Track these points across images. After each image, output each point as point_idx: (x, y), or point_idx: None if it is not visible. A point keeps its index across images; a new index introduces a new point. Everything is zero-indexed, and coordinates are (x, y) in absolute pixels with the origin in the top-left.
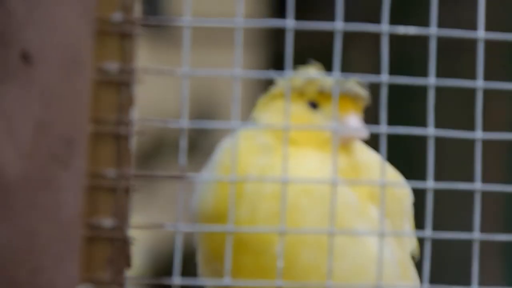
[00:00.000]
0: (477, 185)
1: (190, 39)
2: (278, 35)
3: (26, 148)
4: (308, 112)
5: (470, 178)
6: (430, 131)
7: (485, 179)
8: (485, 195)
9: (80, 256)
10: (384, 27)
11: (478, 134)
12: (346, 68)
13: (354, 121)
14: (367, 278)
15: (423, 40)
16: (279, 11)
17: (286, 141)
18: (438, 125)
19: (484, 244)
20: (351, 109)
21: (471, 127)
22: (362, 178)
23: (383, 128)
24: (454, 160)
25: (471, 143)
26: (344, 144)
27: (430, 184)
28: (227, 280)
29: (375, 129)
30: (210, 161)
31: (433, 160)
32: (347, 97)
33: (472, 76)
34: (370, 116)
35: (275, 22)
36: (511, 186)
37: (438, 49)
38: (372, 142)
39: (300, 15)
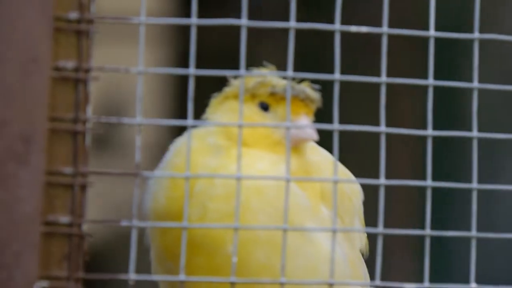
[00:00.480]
0: (382, 180)
1: (110, 36)
2: (186, 31)
3: None
4: (259, 114)
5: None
6: (382, 128)
7: (399, 174)
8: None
9: (39, 253)
10: (337, 26)
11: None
12: (255, 63)
13: (305, 124)
14: (319, 277)
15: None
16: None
17: (240, 140)
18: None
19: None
20: (303, 111)
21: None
22: (313, 177)
23: (336, 126)
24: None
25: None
26: (294, 146)
27: (382, 181)
28: (182, 276)
29: (327, 126)
30: (163, 161)
31: (384, 157)
32: (299, 99)
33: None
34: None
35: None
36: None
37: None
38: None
39: (209, 11)
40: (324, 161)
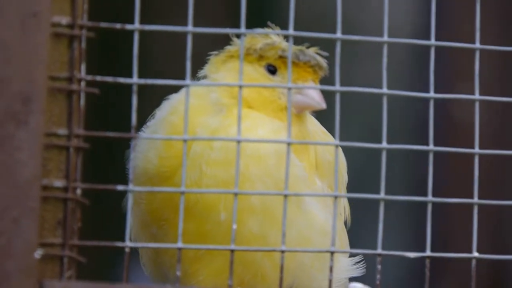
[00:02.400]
0: (384, 144)
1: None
2: None
3: None
4: (265, 76)
5: None
6: (384, 90)
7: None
8: None
9: (38, 219)
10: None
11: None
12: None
13: (314, 91)
14: (311, 248)
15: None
16: None
17: (240, 102)
18: None
19: None
20: (310, 78)
21: None
22: (309, 148)
23: (337, 87)
24: None
25: None
26: (299, 113)
27: (384, 145)
28: (179, 244)
29: (329, 88)
30: (155, 118)
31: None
32: (308, 65)
33: None
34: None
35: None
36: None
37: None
38: None
39: None
40: (319, 132)
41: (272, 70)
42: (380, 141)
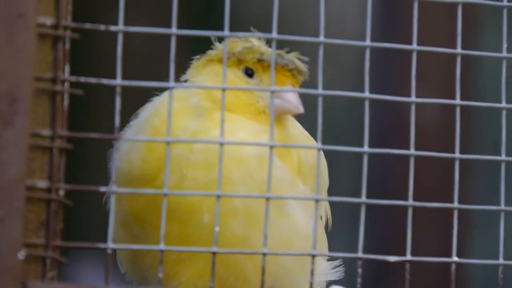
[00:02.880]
0: (412, 151)
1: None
2: None
3: None
4: (243, 79)
5: None
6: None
7: None
8: None
9: (22, 220)
10: None
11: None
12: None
13: (292, 95)
14: (293, 251)
15: None
16: None
17: (223, 104)
18: None
19: None
20: (289, 82)
21: None
22: (292, 152)
23: (320, 91)
24: None
25: None
26: (278, 117)
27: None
28: (161, 245)
29: (312, 91)
30: (136, 119)
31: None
32: (286, 69)
33: None
34: None
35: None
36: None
37: None
38: None
39: None
40: (301, 135)
41: (249, 73)
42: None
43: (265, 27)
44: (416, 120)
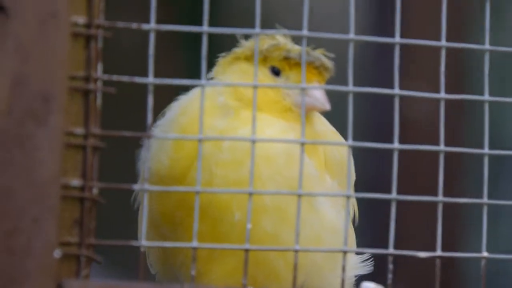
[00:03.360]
0: (395, 145)
1: None
2: None
3: (2, 104)
4: (270, 78)
5: None
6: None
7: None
8: None
9: (57, 219)
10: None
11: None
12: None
13: (318, 92)
14: (323, 247)
15: None
16: None
17: (255, 102)
18: None
19: None
20: (316, 79)
21: None
22: (318, 147)
23: (350, 88)
24: None
25: None
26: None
27: (396, 145)
28: (194, 243)
29: (342, 88)
30: (163, 118)
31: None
32: (313, 66)
33: None
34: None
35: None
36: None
37: None
38: None
39: None
40: (328, 132)
41: (276, 71)
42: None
43: (250, 22)
44: (409, 115)
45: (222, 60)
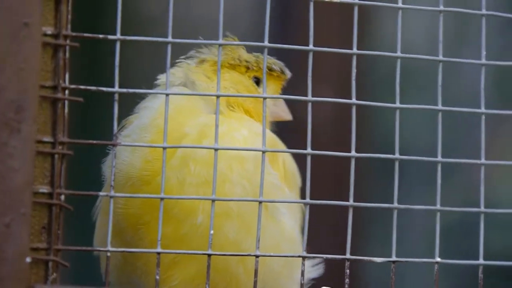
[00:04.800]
0: (353, 153)
1: None
2: None
3: None
4: (254, 87)
5: None
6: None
7: None
8: None
9: (29, 225)
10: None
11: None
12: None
13: (283, 104)
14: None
15: None
16: None
17: (217, 109)
18: None
19: None
20: (280, 89)
21: None
22: (278, 159)
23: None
24: None
25: None
26: (272, 123)
27: (353, 153)
28: (159, 249)
29: (302, 98)
30: (136, 123)
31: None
32: (283, 79)
33: None
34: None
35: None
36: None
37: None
38: None
39: None
40: (282, 144)
41: (257, 81)
42: None
43: (160, 28)
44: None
45: (200, 67)
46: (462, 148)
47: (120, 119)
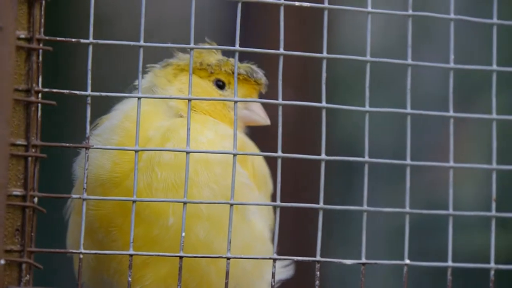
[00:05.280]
0: (323, 156)
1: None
2: None
3: None
4: (215, 91)
5: None
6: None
7: None
8: None
9: (3, 227)
10: None
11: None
12: None
13: (259, 107)
14: (252, 255)
15: None
16: None
17: (189, 114)
18: None
19: None
20: (255, 93)
21: None
22: (248, 160)
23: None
24: None
25: None
26: (244, 127)
27: (323, 156)
28: (131, 250)
29: (273, 102)
30: (104, 125)
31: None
32: (257, 83)
33: None
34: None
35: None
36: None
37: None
38: None
39: None
40: (252, 144)
41: (220, 85)
42: None
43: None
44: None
45: (162, 71)
46: (415, 148)
47: (93, 121)
